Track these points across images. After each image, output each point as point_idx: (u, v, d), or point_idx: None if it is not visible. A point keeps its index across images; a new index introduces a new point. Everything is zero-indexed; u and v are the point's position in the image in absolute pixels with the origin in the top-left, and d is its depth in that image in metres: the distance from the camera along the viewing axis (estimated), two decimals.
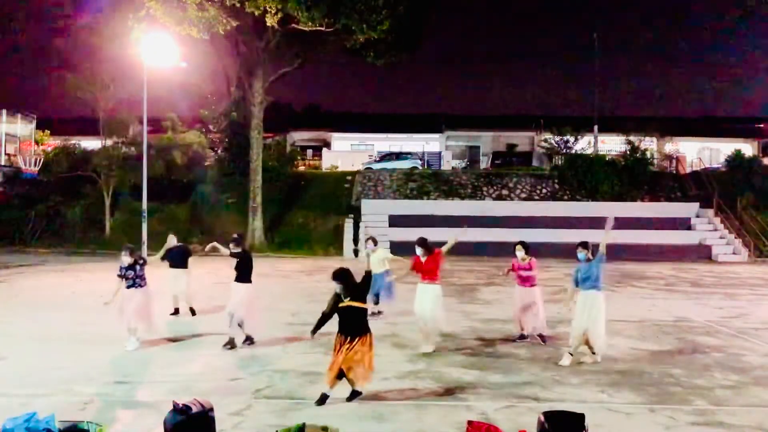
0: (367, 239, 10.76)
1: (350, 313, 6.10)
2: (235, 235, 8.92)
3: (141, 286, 8.60)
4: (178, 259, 10.98)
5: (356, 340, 6.05)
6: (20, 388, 6.57)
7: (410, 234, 24.82)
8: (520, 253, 8.96)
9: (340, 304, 6.11)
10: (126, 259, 8.53)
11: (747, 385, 7.04)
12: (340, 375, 6.09)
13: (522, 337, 9.14)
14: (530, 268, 8.93)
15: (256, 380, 6.97)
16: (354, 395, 6.23)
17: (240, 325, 8.59)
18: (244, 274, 8.61)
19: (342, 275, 6.13)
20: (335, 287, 6.13)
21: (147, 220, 23.14)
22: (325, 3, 22.35)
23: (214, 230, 27.44)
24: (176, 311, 11.08)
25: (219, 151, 33.24)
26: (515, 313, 9.20)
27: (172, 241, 10.99)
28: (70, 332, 9.57)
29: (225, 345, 8.47)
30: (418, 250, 8.44)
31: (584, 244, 8.05)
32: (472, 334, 9.65)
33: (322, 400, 6.08)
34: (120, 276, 8.57)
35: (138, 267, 8.57)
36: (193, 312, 11.02)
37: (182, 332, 9.56)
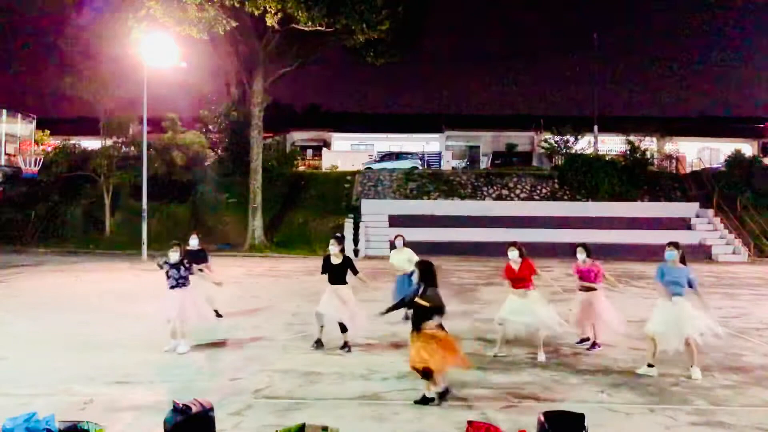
0: (396, 236, 10.69)
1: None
2: (338, 235, 8.93)
3: (185, 285, 8.35)
4: (195, 262, 10.73)
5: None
6: (20, 388, 6.56)
7: (410, 234, 24.92)
8: (581, 255, 8.72)
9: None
10: (174, 256, 8.28)
11: (747, 385, 7.04)
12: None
13: (585, 340, 8.90)
14: (597, 273, 8.67)
15: (256, 380, 6.97)
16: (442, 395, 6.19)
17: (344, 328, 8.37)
18: (344, 276, 8.43)
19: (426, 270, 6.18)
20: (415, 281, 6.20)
21: (147, 220, 23.14)
22: (324, 3, 22.36)
23: (215, 230, 27.52)
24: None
25: (219, 151, 33.25)
26: (579, 318, 8.86)
27: (193, 242, 10.76)
28: (70, 332, 9.56)
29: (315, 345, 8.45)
30: (516, 254, 8.17)
31: (676, 244, 7.48)
32: (472, 334, 9.64)
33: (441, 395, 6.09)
34: (160, 266, 8.32)
35: (183, 268, 8.32)
36: (218, 314, 10.54)
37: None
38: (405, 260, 10.31)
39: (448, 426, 5.53)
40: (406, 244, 10.74)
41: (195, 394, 5.77)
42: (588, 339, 8.88)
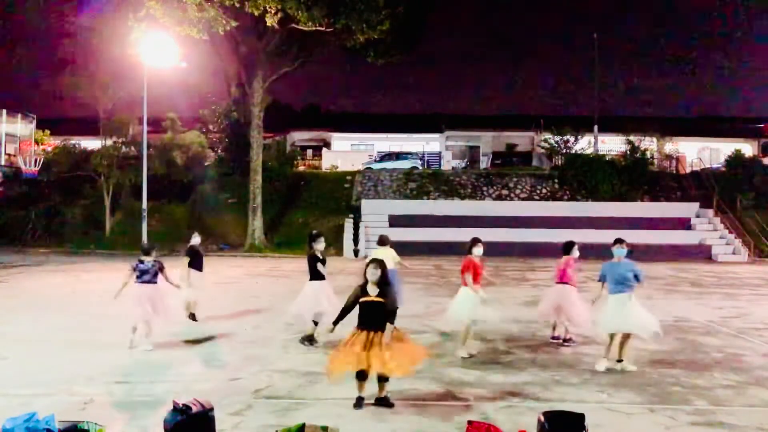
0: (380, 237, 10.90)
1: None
2: (315, 232, 9.31)
3: (152, 282, 8.48)
4: (196, 261, 10.65)
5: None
6: (20, 388, 6.56)
7: (410, 234, 24.98)
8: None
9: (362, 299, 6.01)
10: (144, 258, 8.54)
11: (747, 385, 7.03)
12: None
13: (556, 338, 9.04)
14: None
15: (256, 380, 6.97)
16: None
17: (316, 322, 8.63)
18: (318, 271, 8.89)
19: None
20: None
21: (147, 220, 23.14)
22: (324, 3, 22.37)
23: (214, 230, 27.51)
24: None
25: (219, 151, 33.25)
26: (549, 311, 9.12)
27: (195, 240, 10.74)
28: (70, 332, 9.56)
29: (310, 342, 8.65)
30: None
31: (622, 241, 7.91)
32: (471, 334, 9.61)
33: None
34: (133, 269, 8.46)
35: (151, 267, 8.47)
36: (193, 318, 10.46)
37: (182, 332, 9.54)
38: (389, 258, 10.57)
39: (448, 426, 5.53)
40: (386, 243, 10.90)
41: (195, 394, 5.77)
42: (562, 336, 9.05)
